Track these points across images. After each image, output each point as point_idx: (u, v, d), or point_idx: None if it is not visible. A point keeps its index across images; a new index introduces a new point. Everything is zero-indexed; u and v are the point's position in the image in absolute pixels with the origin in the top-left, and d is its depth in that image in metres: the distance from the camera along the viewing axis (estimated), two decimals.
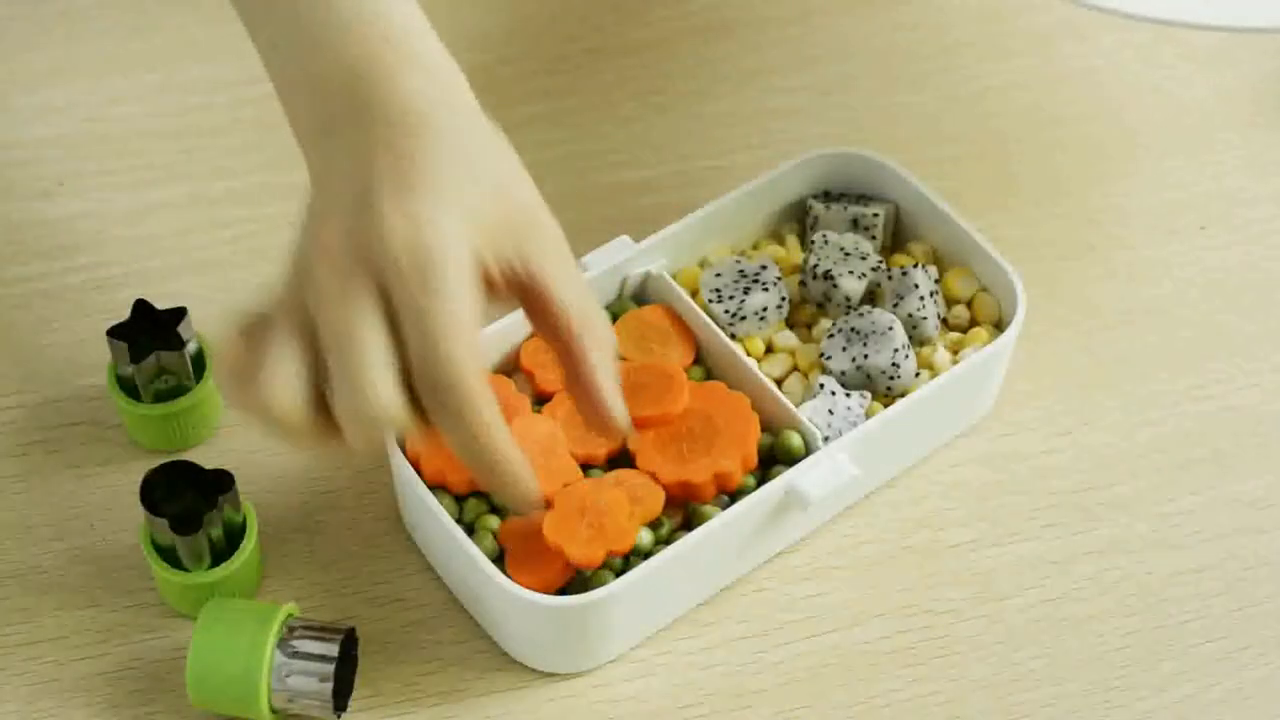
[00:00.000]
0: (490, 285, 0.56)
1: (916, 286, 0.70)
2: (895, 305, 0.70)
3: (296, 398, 0.55)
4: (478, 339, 0.54)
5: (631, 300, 0.72)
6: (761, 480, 0.66)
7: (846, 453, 0.66)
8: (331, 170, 0.57)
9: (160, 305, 0.70)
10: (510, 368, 0.69)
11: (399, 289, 0.54)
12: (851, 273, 0.70)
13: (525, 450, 0.64)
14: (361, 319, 0.54)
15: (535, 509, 0.59)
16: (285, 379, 0.55)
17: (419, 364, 0.54)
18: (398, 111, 0.56)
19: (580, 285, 0.58)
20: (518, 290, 0.57)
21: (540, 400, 0.68)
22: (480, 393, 0.54)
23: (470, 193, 0.55)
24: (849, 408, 0.68)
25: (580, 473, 0.66)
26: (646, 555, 0.64)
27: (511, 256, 0.56)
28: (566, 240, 0.76)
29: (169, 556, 0.65)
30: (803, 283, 0.71)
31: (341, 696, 0.64)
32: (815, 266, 0.71)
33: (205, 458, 0.70)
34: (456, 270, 0.54)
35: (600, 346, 0.58)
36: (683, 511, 0.66)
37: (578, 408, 0.59)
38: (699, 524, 0.64)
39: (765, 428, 0.68)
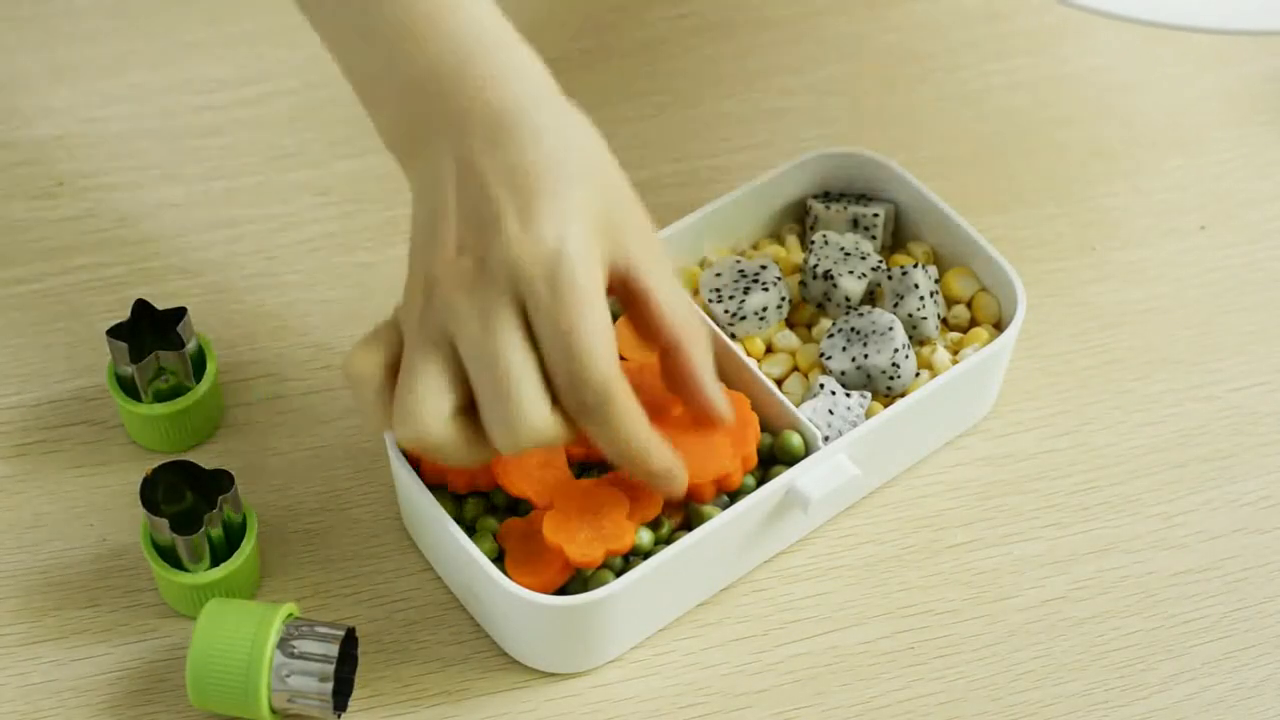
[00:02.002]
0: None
1: (916, 286, 0.70)
2: (895, 305, 0.70)
3: (443, 416, 0.55)
4: (613, 342, 0.55)
5: None
6: (761, 480, 0.66)
7: (846, 453, 0.66)
8: (438, 182, 0.56)
9: (160, 305, 0.70)
10: None
11: (537, 305, 0.54)
12: (851, 273, 0.70)
13: (523, 462, 0.64)
14: (506, 338, 0.54)
15: (681, 491, 0.61)
16: (430, 398, 0.55)
17: (565, 375, 0.55)
18: (496, 115, 0.56)
19: (674, 281, 0.59)
20: (620, 289, 0.58)
21: None
22: (625, 397, 0.56)
23: (582, 194, 0.56)
24: (849, 408, 0.68)
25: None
26: (646, 555, 0.64)
27: (618, 255, 0.57)
28: None
29: (169, 556, 0.65)
30: (803, 283, 0.71)
31: (341, 696, 0.64)
32: (815, 266, 0.71)
33: (205, 458, 0.70)
34: (588, 280, 0.55)
35: (700, 344, 0.60)
36: (683, 511, 0.66)
37: (681, 401, 0.61)
38: (699, 524, 0.64)
39: (765, 428, 0.68)
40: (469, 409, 0.56)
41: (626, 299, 0.59)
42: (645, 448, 0.58)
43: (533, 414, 0.55)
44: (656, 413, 0.67)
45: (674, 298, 0.59)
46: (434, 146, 0.57)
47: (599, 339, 0.55)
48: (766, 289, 0.70)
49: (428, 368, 0.55)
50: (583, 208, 0.55)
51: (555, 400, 0.56)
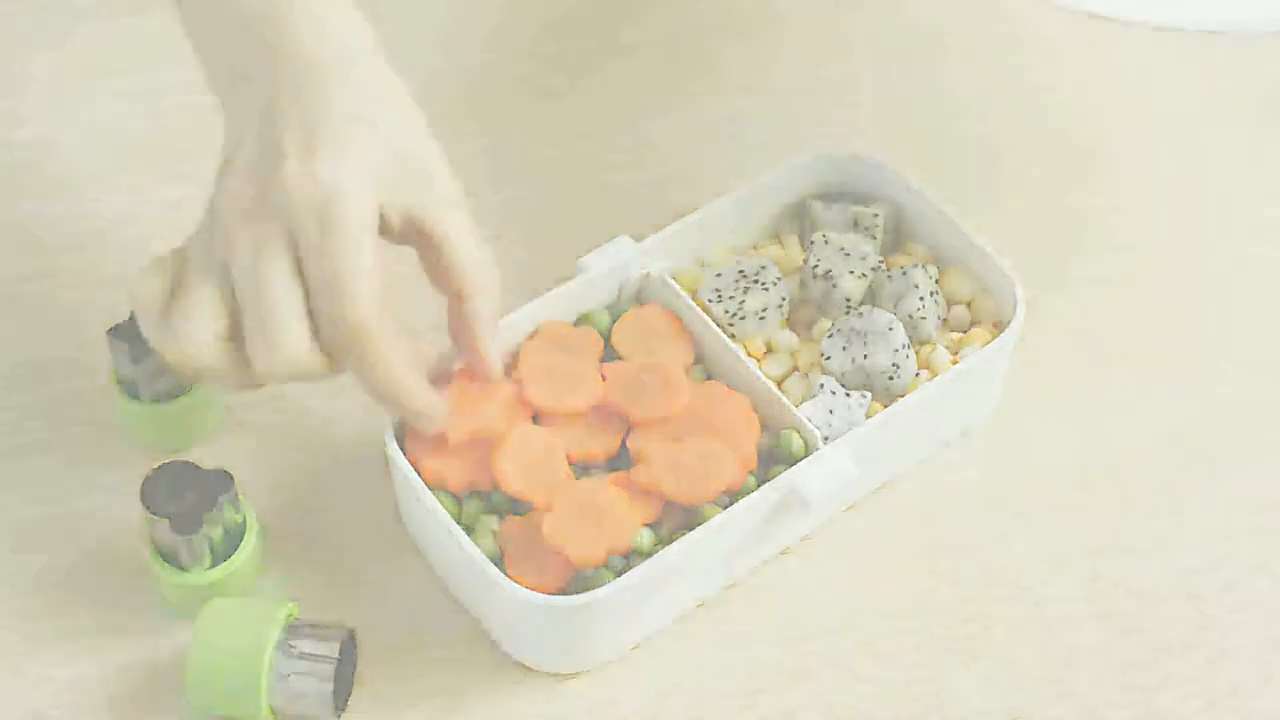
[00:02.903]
0: (389, 232, 0.59)
1: (916, 286, 0.70)
2: (895, 305, 0.70)
3: (211, 338, 0.58)
4: (378, 284, 0.57)
5: (632, 300, 0.72)
6: (761, 480, 0.66)
7: (846, 453, 0.66)
8: (244, 122, 0.59)
9: None
10: (509, 368, 0.69)
11: (307, 242, 0.57)
12: (851, 273, 0.70)
13: (522, 461, 0.64)
14: (273, 268, 0.57)
15: (439, 425, 0.63)
16: (201, 320, 0.58)
17: (325, 312, 0.57)
18: (304, 61, 0.59)
19: (470, 232, 0.61)
20: (414, 237, 0.60)
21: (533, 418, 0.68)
22: (381, 338, 0.57)
23: (368, 141, 0.58)
24: (849, 408, 0.68)
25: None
26: (646, 555, 0.64)
27: (408, 202, 0.59)
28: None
29: (169, 556, 0.65)
30: (803, 283, 0.71)
31: (341, 696, 0.64)
32: (815, 266, 0.71)
33: (205, 458, 0.70)
34: (359, 221, 0.57)
35: (487, 295, 0.62)
36: (683, 511, 0.66)
37: (459, 350, 0.63)
38: (699, 524, 0.64)
39: (765, 428, 0.68)
40: (239, 336, 0.59)
41: (420, 246, 0.61)
42: (399, 390, 0.60)
43: (290, 343, 0.57)
44: (657, 419, 0.67)
45: (465, 246, 0.61)
46: (249, 88, 0.60)
47: (361, 279, 0.57)
48: (766, 289, 0.70)
49: (201, 292, 0.58)
50: (364, 152, 0.58)
51: (318, 334, 0.58)
